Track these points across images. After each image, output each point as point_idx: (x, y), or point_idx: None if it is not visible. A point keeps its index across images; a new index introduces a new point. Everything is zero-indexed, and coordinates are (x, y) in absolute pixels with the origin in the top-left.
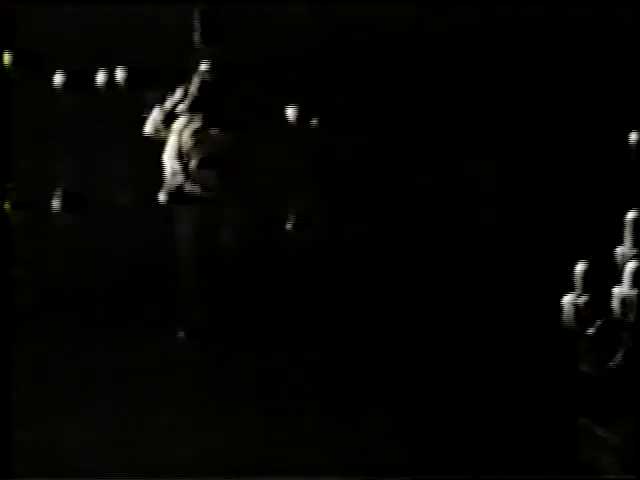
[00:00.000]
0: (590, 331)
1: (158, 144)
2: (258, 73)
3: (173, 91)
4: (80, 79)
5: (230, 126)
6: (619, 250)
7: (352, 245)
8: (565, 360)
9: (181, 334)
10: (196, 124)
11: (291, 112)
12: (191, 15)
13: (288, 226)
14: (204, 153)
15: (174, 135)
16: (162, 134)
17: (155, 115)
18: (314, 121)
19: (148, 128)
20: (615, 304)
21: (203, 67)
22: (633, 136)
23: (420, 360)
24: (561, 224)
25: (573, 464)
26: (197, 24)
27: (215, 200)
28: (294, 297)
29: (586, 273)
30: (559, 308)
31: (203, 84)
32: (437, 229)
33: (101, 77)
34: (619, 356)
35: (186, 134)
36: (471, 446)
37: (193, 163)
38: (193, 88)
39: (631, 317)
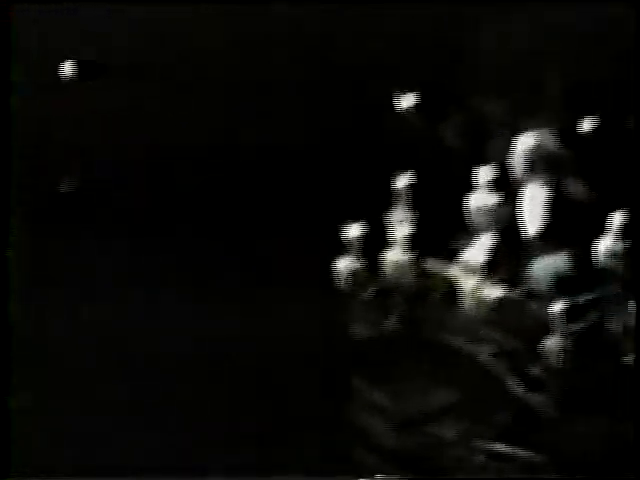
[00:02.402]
0: (365, 295)
1: None
2: None
3: None
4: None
5: None
6: (392, 215)
7: None
8: (339, 323)
9: None
10: None
11: None
12: None
13: None
14: None
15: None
16: None
17: None
18: None
19: None
20: (388, 269)
21: None
22: (404, 103)
23: None
24: (332, 187)
25: (344, 427)
26: None
27: None
28: None
29: (360, 238)
30: (332, 272)
31: None
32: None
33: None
34: (393, 320)
35: None
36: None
37: None
38: None
39: (403, 281)
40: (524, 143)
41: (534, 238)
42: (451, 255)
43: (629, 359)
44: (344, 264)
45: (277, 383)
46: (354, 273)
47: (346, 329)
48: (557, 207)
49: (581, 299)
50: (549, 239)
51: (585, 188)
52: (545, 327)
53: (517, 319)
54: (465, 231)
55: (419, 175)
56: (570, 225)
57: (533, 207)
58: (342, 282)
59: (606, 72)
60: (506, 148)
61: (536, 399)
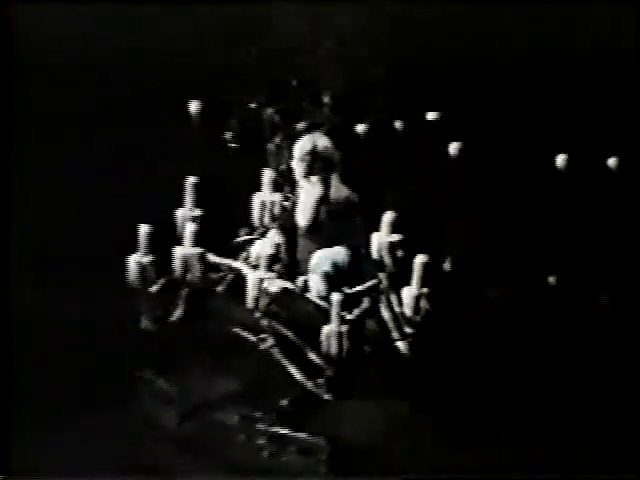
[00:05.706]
0: (152, 289)
1: None
2: None
3: None
4: None
5: None
6: (179, 212)
7: None
8: (128, 316)
9: None
10: None
11: None
12: None
13: None
14: None
15: None
16: None
17: None
18: None
19: None
20: (176, 263)
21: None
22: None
23: None
24: (127, 185)
25: (133, 415)
26: None
27: None
28: None
29: (149, 234)
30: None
31: None
32: None
33: None
34: (178, 312)
35: None
36: None
37: None
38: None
39: (190, 275)
40: (301, 145)
41: (304, 231)
42: (237, 250)
43: (400, 344)
44: (134, 259)
45: (64, 375)
46: (143, 267)
47: (135, 322)
48: (326, 203)
49: (355, 289)
50: (318, 233)
51: (350, 187)
52: (323, 316)
53: (297, 310)
54: (251, 227)
55: (207, 175)
56: (342, 220)
57: (306, 204)
58: (132, 276)
59: (378, 74)
60: (287, 150)
61: (315, 384)
